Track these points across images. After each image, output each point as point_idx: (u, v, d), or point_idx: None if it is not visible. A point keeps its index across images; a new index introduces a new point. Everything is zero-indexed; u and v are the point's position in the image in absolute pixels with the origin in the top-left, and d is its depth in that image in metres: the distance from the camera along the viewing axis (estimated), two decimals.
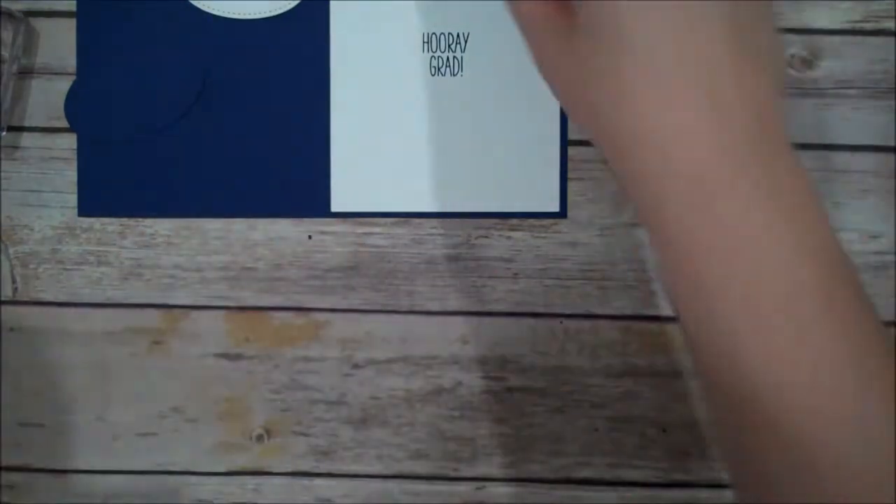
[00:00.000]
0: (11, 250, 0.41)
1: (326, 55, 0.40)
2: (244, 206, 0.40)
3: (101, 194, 0.41)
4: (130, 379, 0.41)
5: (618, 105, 0.27)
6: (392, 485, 0.41)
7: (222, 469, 0.41)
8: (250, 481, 0.41)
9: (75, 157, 0.41)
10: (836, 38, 0.40)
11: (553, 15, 0.29)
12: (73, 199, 0.41)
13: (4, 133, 0.40)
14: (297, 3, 0.40)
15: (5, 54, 0.40)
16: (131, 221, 0.41)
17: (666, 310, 0.41)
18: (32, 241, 0.41)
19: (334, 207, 0.40)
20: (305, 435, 0.41)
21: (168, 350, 0.41)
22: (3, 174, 0.41)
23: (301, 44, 0.40)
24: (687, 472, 0.41)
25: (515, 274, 0.41)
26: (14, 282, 0.41)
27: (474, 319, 0.41)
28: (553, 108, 0.40)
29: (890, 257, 0.40)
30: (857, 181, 0.40)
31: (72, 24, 0.41)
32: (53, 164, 0.41)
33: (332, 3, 0.40)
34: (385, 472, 0.41)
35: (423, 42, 0.40)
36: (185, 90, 0.40)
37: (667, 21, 0.26)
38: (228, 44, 0.40)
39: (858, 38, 0.40)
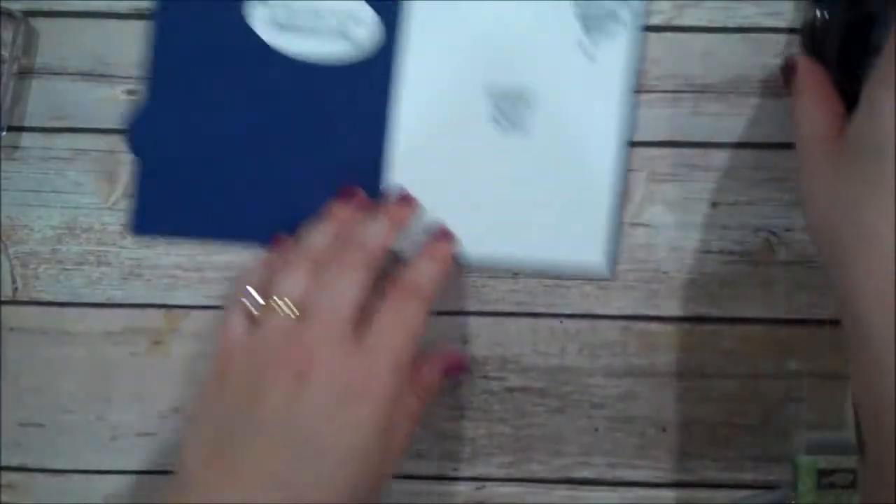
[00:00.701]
0: (11, 250, 0.41)
1: (391, 103, 0.40)
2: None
3: (155, 215, 0.41)
4: (130, 379, 0.41)
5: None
6: (392, 485, 0.41)
7: None
8: None
9: (75, 157, 0.41)
10: None
11: (826, 139, 0.32)
12: (73, 199, 0.41)
13: (4, 133, 0.40)
14: (368, 53, 0.40)
15: (5, 54, 0.40)
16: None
17: (666, 310, 0.41)
18: (32, 241, 0.41)
19: None
20: None
21: (168, 350, 0.41)
22: (3, 174, 0.41)
23: (367, 91, 0.40)
24: (687, 472, 0.41)
25: (515, 274, 0.41)
26: (14, 282, 0.41)
27: (474, 319, 0.41)
28: (606, 171, 0.40)
29: None
30: None
31: (72, 24, 0.41)
32: (53, 164, 0.41)
33: (403, 51, 0.40)
34: None
35: (487, 96, 0.40)
36: (248, 123, 0.40)
37: None
38: (296, 84, 0.40)
39: None
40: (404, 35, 0.40)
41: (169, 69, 0.40)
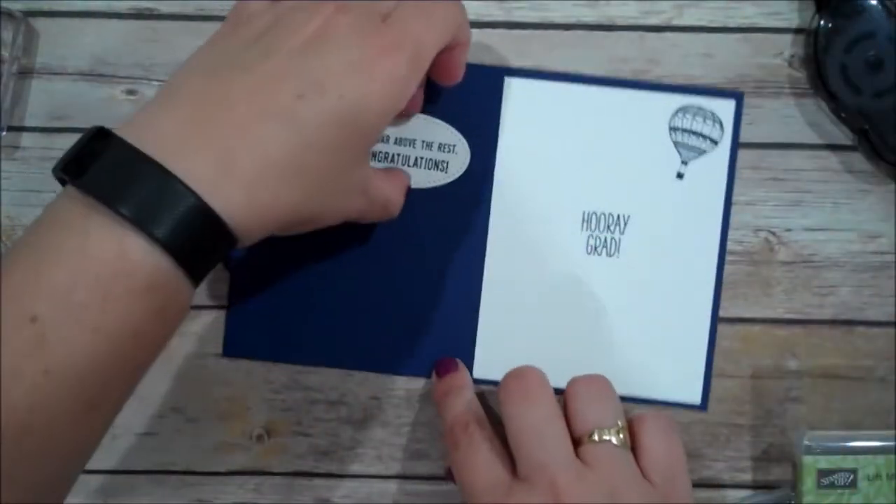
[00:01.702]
0: None
1: (485, 227, 0.40)
2: (390, 362, 0.40)
3: (245, 338, 0.40)
4: None
5: None
6: (392, 485, 0.41)
7: (222, 469, 0.41)
8: (250, 481, 0.41)
9: None
10: None
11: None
12: None
13: (4, 133, 0.40)
14: (458, 175, 0.40)
15: (5, 54, 0.40)
16: None
17: None
18: None
19: (476, 374, 0.40)
20: (305, 435, 0.41)
21: (168, 350, 0.41)
22: (3, 174, 0.41)
23: (461, 214, 0.40)
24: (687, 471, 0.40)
25: None
26: None
27: None
28: (704, 301, 0.40)
29: (890, 257, 0.40)
30: (856, 181, 0.40)
31: (72, 24, 0.41)
32: (53, 164, 0.41)
33: (496, 177, 0.40)
34: (385, 472, 0.41)
35: (583, 220, 0.40)
36: (343, 249, 0.40)
37: None
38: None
39: None
40: (496, 163, 0.40)
41: None
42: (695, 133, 0.39)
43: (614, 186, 0.40)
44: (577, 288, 0.40)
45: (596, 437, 0.34)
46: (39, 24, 0.41)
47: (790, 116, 0.40)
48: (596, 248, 0.40)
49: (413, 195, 0.39)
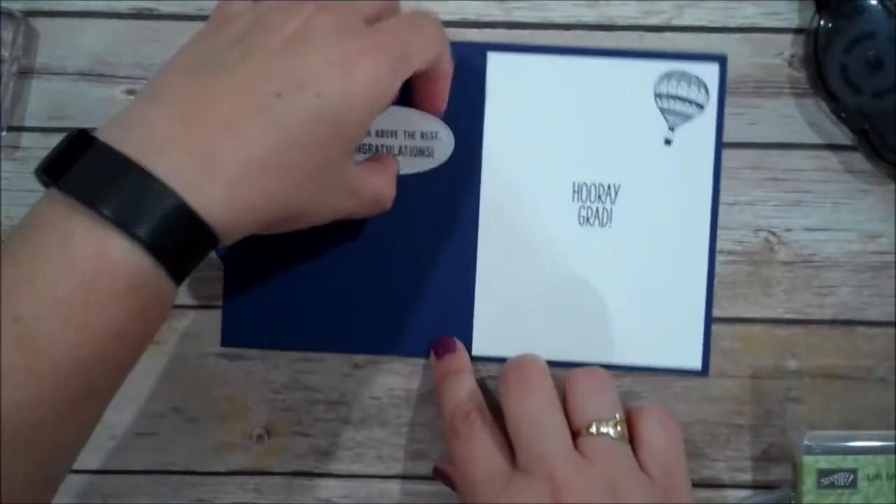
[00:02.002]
0: None
1: (476, 205, 0.40)
2: (388, 344, 0.40)
3: (242, 327, 0.40)
4: (130, 379, 0.41)
5: None
6: (392, 485, 0.41)
7: (222, 469, 0.41)
8: (250, 481, 0.41)
9: None
10: None
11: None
12: None
13: (4, 133, 0.40)
14: (445, 158, 0.39)
15: (5, 54, 0.40)
16: None
17: None
18: None
19: (475, 352, 0.40)
20: (305, 435, 0.41)
21: (168, 350, 0.41)
22: (3, 174, 0.41)
23: (452, 194, 0.40)
24: (687, 471, 0.40)
25: None
26: None
27: None
28: (699, 266, 0.40)
29: (890, 257, 0.40)
30: (856, 181, 0.40)
31: (72, 24, 0.41)
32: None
33: (484, 153, 0.40)
34: (385, 472, 0.41)
35: (574, 191, 0.40)
36: (337, 234, 0.40)
37: None
38: None
39: None
40: (483, 139, 0.40)
41: None
42: (680, 98, 0.39)
43: (603, 156, 0.40)
44: (572, 260, 0.40)
45: (594, 430, 0.34)
46: (39, 24, 0.41)
47: (790, 116, 0.40)
48: (588, 219, 0.40)
49: (401, 181, 0.39)
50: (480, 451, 0.35)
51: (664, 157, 0.40)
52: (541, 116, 0.40)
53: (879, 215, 0.40)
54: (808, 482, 0.37)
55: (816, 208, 0.40)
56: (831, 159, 0.40)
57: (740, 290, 0.40)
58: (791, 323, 0.40)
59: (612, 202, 0.40)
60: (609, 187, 0.40)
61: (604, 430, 0.34)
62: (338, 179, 0.34)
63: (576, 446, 0.34)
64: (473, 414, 0.36)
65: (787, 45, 0.40)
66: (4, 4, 0.40)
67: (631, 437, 0.35)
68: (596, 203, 0.40)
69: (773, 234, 0.40)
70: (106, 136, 0.29)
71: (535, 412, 0.34)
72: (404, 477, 0.41)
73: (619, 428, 0.35)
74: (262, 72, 0.31)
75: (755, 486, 0.41)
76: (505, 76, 0.40)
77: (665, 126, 0.39)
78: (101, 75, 0.41)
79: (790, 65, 0.40)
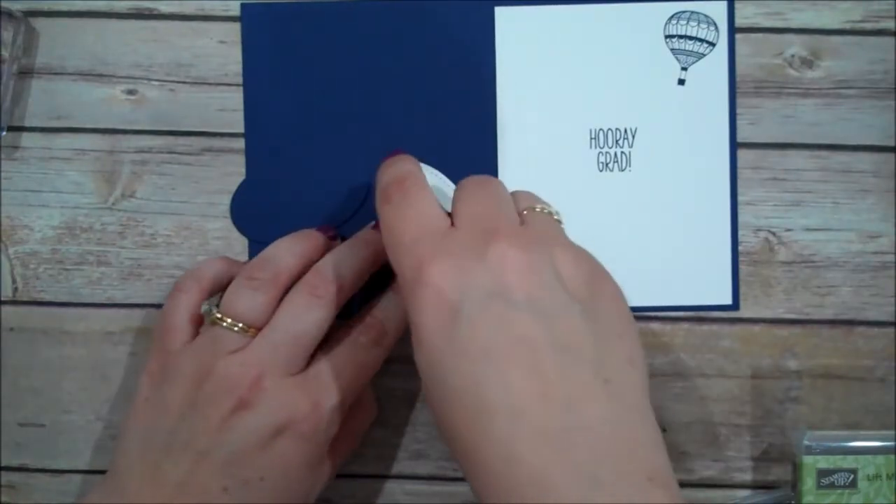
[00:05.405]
0: (11, 250, 0.41)
1: (494, 152, 0.40)
2: None
3: (255, 202, 0.40)
4: (130, 379, 0.41)
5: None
6: (392, 485, 0.41)
7: None
8: None
9: (75, 157, 0.41)
10: (836, 38, 0.40)
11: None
12: (73, 199, 0.41)
13: (4, 133, 0.40)
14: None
15: (5, 54, 0.40)
16: (131, 221, 0.41)
17: (667, 309, 0.41)
18: (32, 241, 0.41)
19: None
20: None
21: None
22: (3, 174, 0.41)
23: (469, 144, 0.40)
24: (687, 472, 0.41)
25: None
26: (14, 282, 0.41)
27: None
28: (722, 201, 0.40)
29: (890, 257, 0.40)
30: (856, 181, 0.40)
31: (72, 24, 0.41)
32: (53, 164, 0.41)
33: (499, 107, 0.40)
34: (385, 472, 0.41)
35: (591, 138, 0.40)
36: (349, 202, 0.40)
37: None
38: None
39: (858, 38, 0.40)
40: (497, 94, 0.40)
41: (267, 150, 0.40)
42: (691, 38, 0.40)
43: (618, 101, 0.40)
44: (595, 206, 0.40)
45: (534, 208, 0.34)
46: (39, 24, 0.41)
47: (790, 116, 0.40)
48: (608, 165, 0.40)
49: (414, 138, 0.39)
50: (412, 214, 0.32)
51: (679, 97, 0.40)
52: (552, 67, 0.40)
53: (879, 215, 0.40)
54: (808, 482, 0.37)
55: (816, 208, 0.40)
56: (831, 159, 0.40)
57: (740, 290, 0.40)
58: (791, 323, 0.40)
59: (630, 146, 0.40)
60: (626, 131, 0.40)
61: (538, 207, 0.33)
62: (314, 481, 0.36)
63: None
64: (409, 181, 0.33)
65: (787, 45, 0.40)
66: (4, 4, 0.40)
67: None
68: (614, 148, 0.40)
69: (773, 234, 0.40)
70: None
71: (482, 180, 0.33)
72: (404, 477, 0.41)
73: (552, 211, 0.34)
74: (207, 467, 0.33)
75: (755, 486, 0.41)
76: (513, 29, 0.40)
77: (677, 66, 0.40)
78: (101, 75, 0.41)
79: (790, 65, 0.40)
